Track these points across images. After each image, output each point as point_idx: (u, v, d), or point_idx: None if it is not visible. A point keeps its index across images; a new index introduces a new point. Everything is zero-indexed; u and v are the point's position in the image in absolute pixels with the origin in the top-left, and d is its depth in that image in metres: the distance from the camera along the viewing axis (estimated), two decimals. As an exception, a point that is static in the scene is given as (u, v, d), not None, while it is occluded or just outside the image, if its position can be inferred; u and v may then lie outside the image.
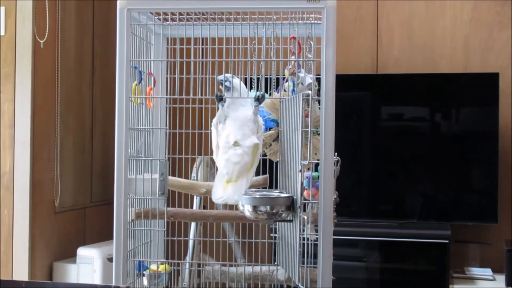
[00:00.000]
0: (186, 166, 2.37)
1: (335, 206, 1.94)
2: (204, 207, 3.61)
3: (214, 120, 2.00)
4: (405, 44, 3.88)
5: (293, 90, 2.08)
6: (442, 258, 3.36)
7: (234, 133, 1.95)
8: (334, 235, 1.90)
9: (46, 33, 3.31)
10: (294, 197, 1.87)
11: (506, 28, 3.73)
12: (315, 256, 1.93)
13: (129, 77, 2.02)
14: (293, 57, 2.12)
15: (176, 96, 2.17)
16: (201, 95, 2.15)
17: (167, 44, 2.35)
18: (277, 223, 2.20)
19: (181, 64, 2.15)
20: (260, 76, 2.20)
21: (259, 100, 1.99)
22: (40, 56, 3.32)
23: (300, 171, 1.82)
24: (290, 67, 2.11)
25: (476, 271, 3.54)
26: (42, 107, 3.35)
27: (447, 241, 3.36)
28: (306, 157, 1.84)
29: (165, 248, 2.36)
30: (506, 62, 3.72)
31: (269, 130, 2.18)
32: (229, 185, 1.89)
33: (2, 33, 3.28)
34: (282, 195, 1.94)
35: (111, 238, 2.07)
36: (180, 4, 2.02)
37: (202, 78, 2.15)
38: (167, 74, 2.32)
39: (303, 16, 2.12)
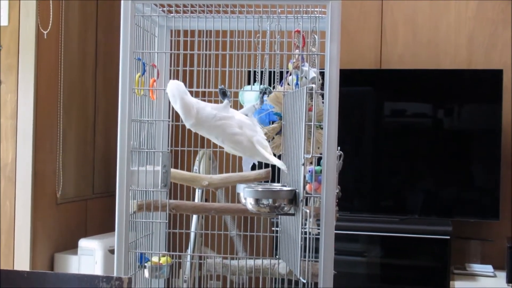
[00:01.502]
0: (189, 158, 2.37)
1: (337, 200, 1.94)
2: (206, 200, 3.61)
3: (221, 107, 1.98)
4: (409, 40, 3.87)
5: (297, 83, 2.07)
6: (443, 254, 3.36)
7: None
8: (335, 229, 1.90)
9: (50, 24, 3.30)
10: (297, 190, 1.87)
11: (510, 25, 3.71)
12: (317, 250, 1.93)
13: (133, 69, 2.01)
14: (297, 50, 2.12)
15: (179, 89, 2.16)
16: (205, 87, 2.14)
17: (171, 36, 2.35)
18: (279, 216, 2.20)
19: (184, 56, 2.14)
20: (264, 70, 2.20)
21: (264, 93, 2.00)
22: (44, 47, 3.32)
23: (303, 165, 1.82)
24: (294, 60, 2.11)
25: (477, 267, 3.54)
26: (45, 98, 3.35)
27: (448, 237, 3.36)
28: (309, 151, 1.84)
29: (167, 240, 2.37)
30: (509, 59, 3.71)
31: (272, 123, 2.17)
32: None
33: (6, 24, 3.27)
34: (285, 188, 1.93)
35: (112, 230, 2.07)
36: (185, -4, 2.01)
37: (205, 70, 2.15)
38: (170, 66, 2.32)
39: (308, 9, 2.12)
